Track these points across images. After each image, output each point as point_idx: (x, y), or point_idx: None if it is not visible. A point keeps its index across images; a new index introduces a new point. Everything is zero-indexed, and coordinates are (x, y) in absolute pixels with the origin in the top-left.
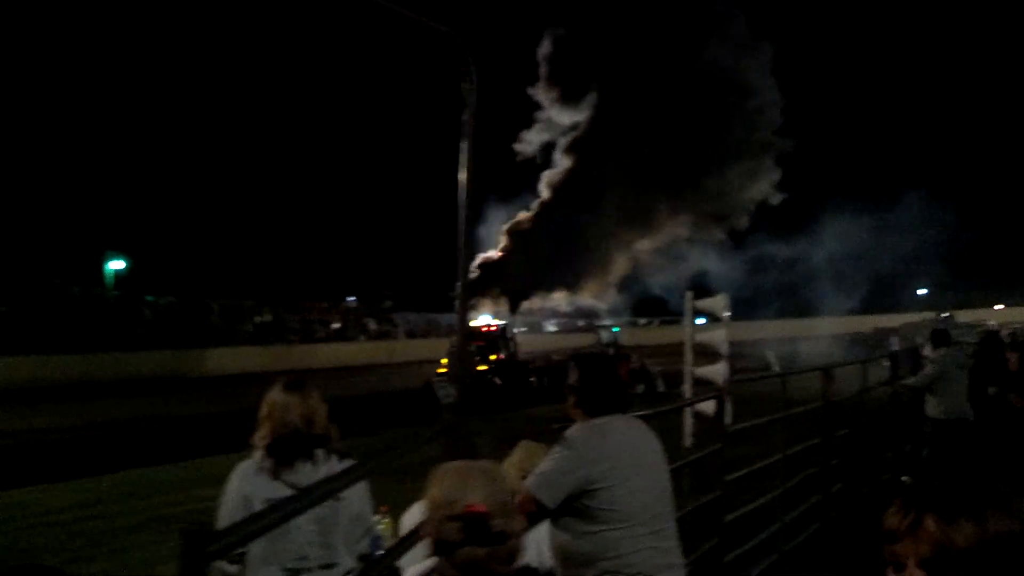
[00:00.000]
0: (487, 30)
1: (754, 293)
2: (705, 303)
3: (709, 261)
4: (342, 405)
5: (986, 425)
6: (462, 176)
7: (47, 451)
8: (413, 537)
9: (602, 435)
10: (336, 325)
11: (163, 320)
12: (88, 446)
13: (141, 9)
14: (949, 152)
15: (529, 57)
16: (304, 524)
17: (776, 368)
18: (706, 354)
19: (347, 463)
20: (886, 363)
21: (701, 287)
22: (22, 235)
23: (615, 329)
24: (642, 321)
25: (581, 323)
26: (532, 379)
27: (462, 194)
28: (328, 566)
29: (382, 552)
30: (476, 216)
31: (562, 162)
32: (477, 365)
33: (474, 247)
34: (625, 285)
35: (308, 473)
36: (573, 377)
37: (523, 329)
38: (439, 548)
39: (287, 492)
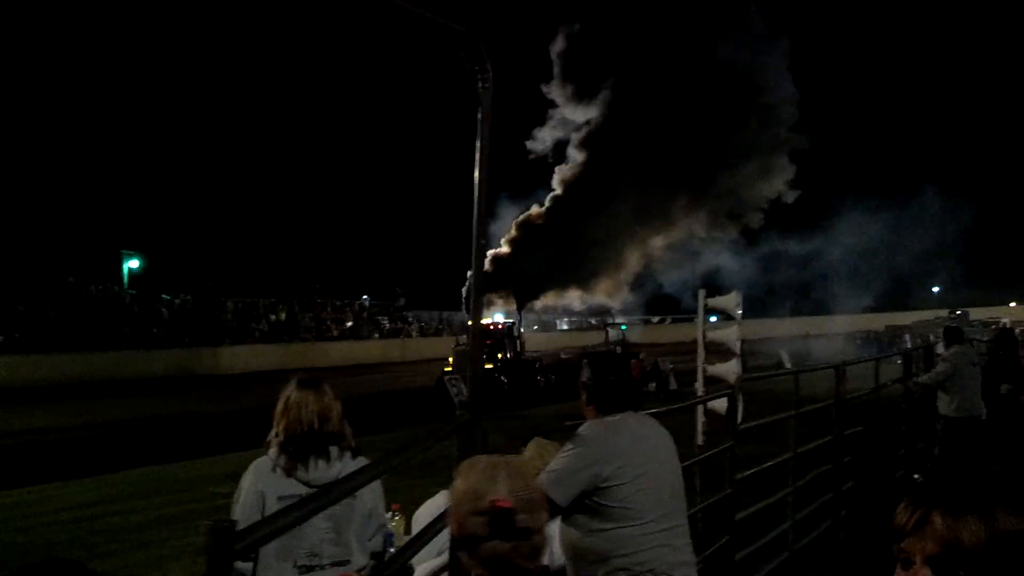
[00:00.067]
0: (500, 26)
1: (767, 291)
2: (718, 301)
3: (722, 259)
4: (355, 403)
5: (999, 423)
6: (477, 175)
7: (64, 449)
8: (426, 534)
9: (615, 433)
10: (349, 323)
11: (178, 318)
12: (105, 444)
13: (160, 9)
14: (962, 148)
15: (542, 54)
16: (318, 521)
17: (788, 366)
18: (718, 352)
19: (361, 461)
20: (899, 361)
21: (713, 285)
22: (38, 234)
23: (623, 327)
24: (655, 319)
25: (593, 321)
26: (539, 378)
27: (477, 193)
28: (341, 563)
29: (394, 549)
30: (489, 214)
31: (575, 158)
32: (483, 364)
33: (487, 245)
34: (638, 283)
35: (322, 470)
36: (586, 375)
37: (535, 328)
38: (463, 542)
39: (301, 489)
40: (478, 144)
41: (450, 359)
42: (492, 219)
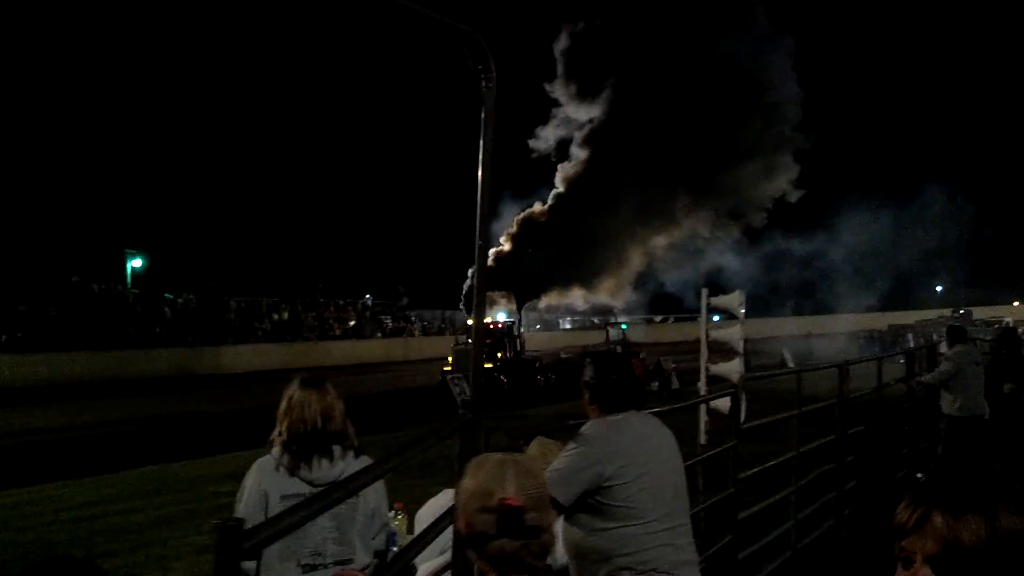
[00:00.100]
0: (502, 24)
1: (769, 290)
2: (721, 300)
3: (725, 258)
4: (358, 402)
5: (1002, 422)
6: (480, 175)
7: (65, 448)
8: (430, 534)
9: (618, 432)
10: (352, 322)
11: (181, 318)
12: (106, 443)
13: (164, 9)
14: (965, 147)
15: (545, 52)
16: (321, 520)
17: (791, 365)
18: (721, 351)
19: (363, 460)
20: (902, 360)
21: (716, 284)
22: (41, 233)
23: (623, 327)
24: (657, 318)
25: (597, 320)
26: (539, 377)
27: (480, 192)
28: (344, 562)
29: (396, 548)
30: (492, 213)
31: (578, 157)
32: (483, 362)
33: (490, 244)
34: (640, 282)
35: (325, 470)
36: (588, 374)
37: (537, 327)
38: (471, 540)
39: (304, 488)
40: (482, 143)
41: (449, 358)
42: (495, 218)
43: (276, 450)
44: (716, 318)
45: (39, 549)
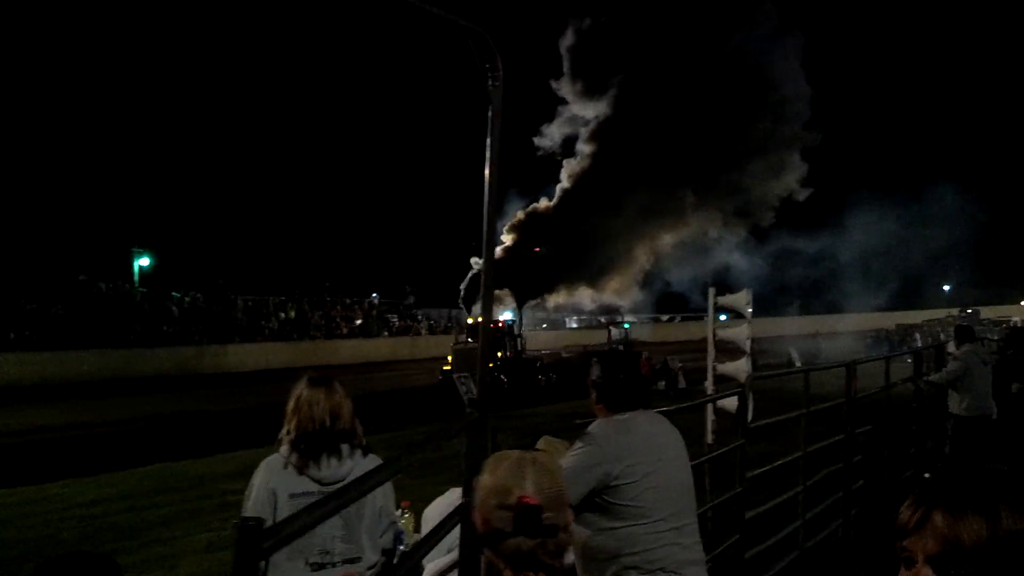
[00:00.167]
0: (507, 21)
1: (777, 289)
2: (728, 299)
3: (732, 257)
4: (365, 401)
5: (1009, 422)
6: (488, 173)
7: (73, 446)
8: (438, 532)
9: (624, 431)
10: (359, 321)
11: (188, 316)
12: (114, 441)
13: (173, 9)
14: (973, 146)
15: (550, 49)
16: (329, 518)
17: (798, 364)
18: (728, 350)
19: (372, 458)
20: (909, 359)
21: (723, 283)
22: (49, 232)
23: (626, 325)
24: (664, 317)
25: (603, 319)
26: (540, 377)
27: (487, 192)
28: (352, 560)
29: (403, 547)
30: (499, 211)
31: (584, 154)
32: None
33: (496, 242)
34: (647, 281)
35: (334, 468)
36: (595, 373)
37: (543, 325)
38: (487, 537)
39: (313, 487)
40: (488, 142)
41: (449, 357)
42: (500, 216)
43: (284, 449)
44: (723, 317)
45: (46, 547)
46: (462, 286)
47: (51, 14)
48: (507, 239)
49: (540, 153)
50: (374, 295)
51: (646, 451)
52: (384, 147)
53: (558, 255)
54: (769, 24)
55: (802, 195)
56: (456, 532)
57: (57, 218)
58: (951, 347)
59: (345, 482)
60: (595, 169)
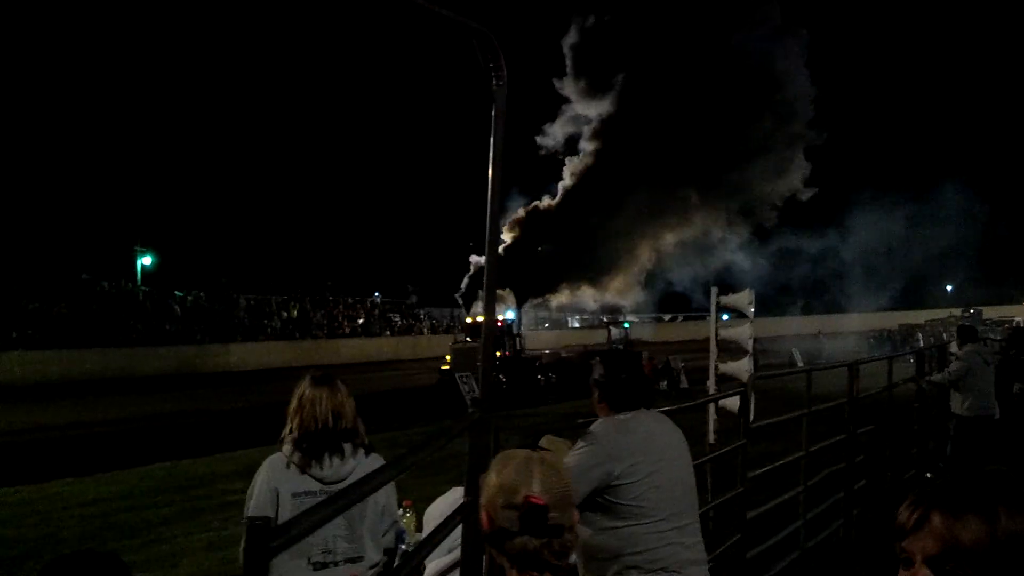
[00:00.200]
0: (509, 20)
1: (779, 289)
2: (730, 299)
3: (734, 256)
4: (367, 400)
5: (1012, 422)
6: (491, 173)
7: (75, 445)
8: (441, 532)
9: (627, 431)
10: (361, 320)
11: (191, 315)
12: (117, 440)
13: (176, 8)
14: (976, 146)
15: (552, 48)
16: None
17: (800, 364)
18: (730, 350)
19: (374, 457)
20: (912, 359)
21: (725, 283)
22: (52, 231)
23: (626, 325)
24: (666, 317)
25: (605, 319)
26: (539, 377)
27: (491, 192)
28: (354, 559)
29: (404, 546)
30: (501, 210)
31: (587, 152)
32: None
33: (498, 241)
34: (649, 281)
35: (336, 467)
36: (598, 372)
37: (546, 325)
38: (493, 536)
39: (315, 486)
40: (492, 141)
41: (448, 357)
42: (502, 215)
43: (287, 448)
44: (725, 317)
45: (48, 545)
46: (462, 284)
47: (54, 13)
48: (507, 237)
49: (542, 152)
50: (376, 294)
51: (648, 451)
52: (387, 146)
53: (561, 254)
54: (773, 22)
55: (805, 195)
56: (457, 532)
57: (60, 217)
58: (953, 347)
59: (348, 481)
60: (598, 167)
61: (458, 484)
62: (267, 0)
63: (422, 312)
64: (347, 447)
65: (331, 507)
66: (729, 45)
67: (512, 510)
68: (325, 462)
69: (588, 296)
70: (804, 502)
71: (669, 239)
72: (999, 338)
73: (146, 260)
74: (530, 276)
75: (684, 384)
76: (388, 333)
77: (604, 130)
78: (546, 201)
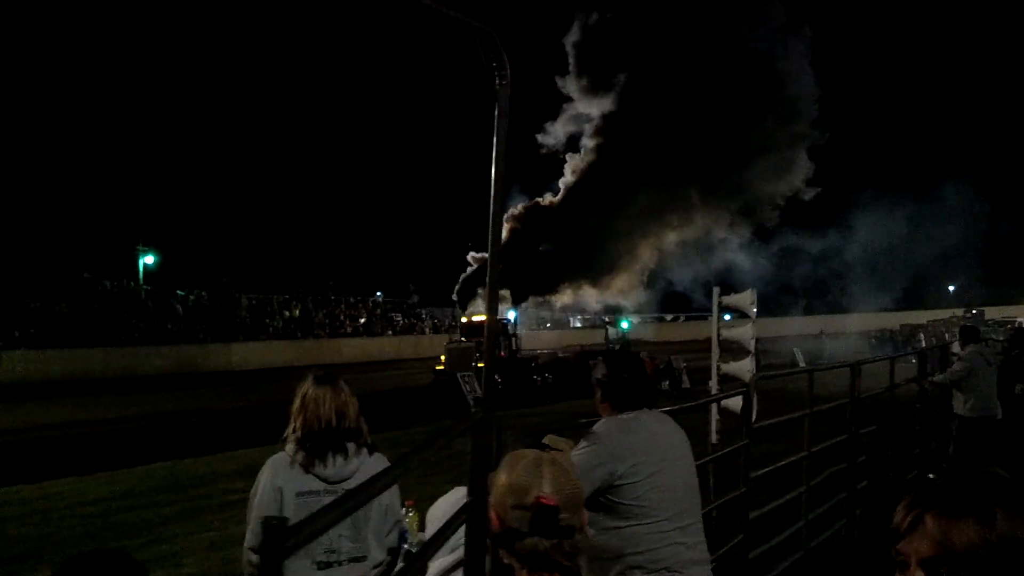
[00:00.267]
0: (510, 18)
1: (780, 289)
2: (732, 299)
3: (735, 256)
4: (368, 400)
5: (1014, 422)
6: (494, 173)
7: (78, 444)
8: (445, 532)
9: (629, 430)
10: (363, 320)
11: (193, 314)
12: (119, 439)
13: (179, 8)
14: (978, 146)
15: (554, 46)
16: None
17: (802, 364)
18: (732, 350)
19: (378, 457)
20: (914, 360)
21: (726, 283)
22: (54, 230)
23: (624, 324)
24: (668, 317)
25: (607, 319)
26: (535, 377)
27: (493, 192)
28: (358, 559)
29: (407, 545)
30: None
31: (589, 151)
32: (476, 362)
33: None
34: (651, 281)
35: (340, 467)
36: (600, 372)
37: (548, 324)
38: (503, 536)
39: (319, 485)
40: (495, 141)
41: (442, 357)
42: (505, 214)
43: (290, 447)
44: (727, 317)
45: (51, 545)
46: (459, 283)
47: (55, 13)
48: (504, 233)
49: (543, 151)
50: (378, 294)
51: (651, 450)
52: (389, 146)
53: (562, 254)
54: (776, 21)
55: (808, 195)
56: (460, 531)
57: (62, 216)
58: (956, 347)
59: (351, 481)
60: (599, 166)
61: (459, 484)
62: (270, 3)
63: (424, 312)
64: (350, 446)
65: (343, 507)
66: (732, 43)
67: (522, 511)
68: (329, 461)
69: (590, 296)
70: (806, 502)
71: (671, 239)
72: (1001, 338)
73: (148, 259)
74: (529, 275)
75: (686, 384)
76: (390, 333)
77: (606, 128)
78: (547, 199)
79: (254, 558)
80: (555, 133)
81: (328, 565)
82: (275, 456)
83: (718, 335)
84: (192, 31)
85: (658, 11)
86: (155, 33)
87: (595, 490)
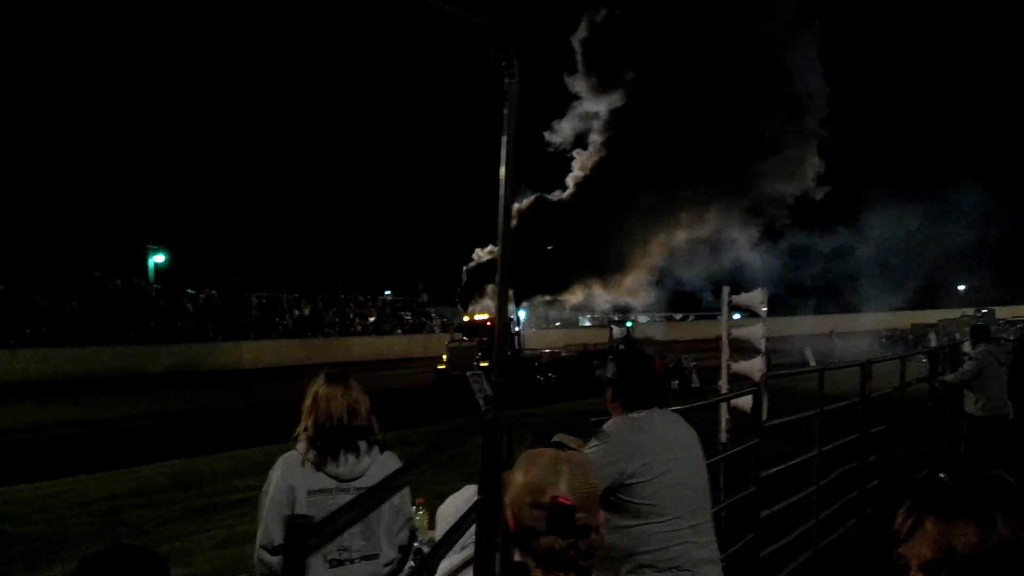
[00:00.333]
0: (517, 15)
1: (790, 288)
2: (742, 298)
3: (745, 255)
4: (378, 398)
5: None
6: (503, 172)
7: (89, 442)
8: (457, 531)
9: (640, 429)
10: (372, 319)
11: (203, 313)
12: (129, 437)
13: (190, 9)
14: (990, 145)
15: (561, 43)
16: None
17: (812, 364)
18: (743, 349)
19: (389, 455)
20: (924, 359)
21: (736, 282)
22: (65, 229)
23: (628, 324)
24: (677, 316)
25: (616, 318)
26: (538, 377)
27: (503, 190)
28: (370, 557)
29: (417, 543)
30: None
31: (596, 148)
32: (479, 361)
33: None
34: (660, 279)
35: (352, 465)
36: (611, 371)
37: (557, 324)
38: (519, 535)
39: (331, 484)
40: (504, 140)
41: (444, 356)
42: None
43: (302, 445)
44: (737, 316)
45: (63, 542)
46: (462, 281)
47: (67, 13)
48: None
49: (551, 149)
50: (387, 292)
51: (661, 449)
52: (399, 145)
53: (572, 252)
54: (786, 16)
55: (819, 194)
56: (470, 529)
57: (73, 215)
58: (967, 347)
59: (363, 479)
60: (608, 163)
61: (469, 482)
62: (279, 3)
63: (433, 310)
64: (362, 444)
65: (363, 505)
66: (741, 39)
67: (539, 510)
68: (340, 459)
69: (599, 295)
70: (817, 502)
71: (681, 238)
72: (1012, 338)
73: (158, 258)
74: (538, 274)
75: (695, 383)
76: (399, 331)
77: (614, 126)
78: (555, 195)
79: (266, 556)
80: (563, 131)
81: (340, 563)
82: (287, 454)
83: (728, 334)
84: (203, 32)
85: (666, 7)
86: (166, 34)
87: (605, 489)
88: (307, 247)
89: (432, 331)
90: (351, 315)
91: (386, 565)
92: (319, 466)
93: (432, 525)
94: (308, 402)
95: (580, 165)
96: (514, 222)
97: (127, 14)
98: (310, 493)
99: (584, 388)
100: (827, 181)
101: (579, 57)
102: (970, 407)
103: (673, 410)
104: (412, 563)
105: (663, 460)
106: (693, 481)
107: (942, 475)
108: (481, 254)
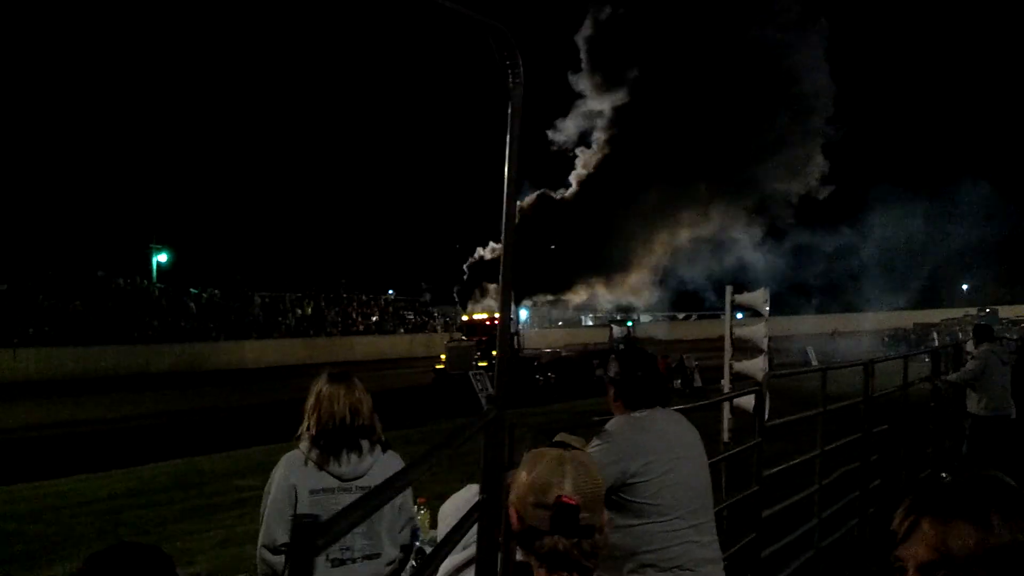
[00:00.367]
0: (521, 14)
1: (792, 287)
2: (745, 297)
3: (748, 255)
4: (380, 397)
5: None
6: (507, 172)
7: (90, 441)
8: (459, 530)
9: (642, 429)
10: (375, 318)
11: (206, 312)
12: (131, 436)
13: (195, 9)
14: (993, 145)
15: (565, 42)
16: None
17: (814, 363)
18: (745, 349)
19: (391, 455)
20: (927, 359)
21: (738, 282)
22: (68, 228)
23: (628, 323)
24: (680, 315)
25: (619, 317)
26: (537, 376)
27: (507, 190)
28: (372, 556)
29: (419, 543)
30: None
31: (600, 146)
32: (477, 360)
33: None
34: (663, 279)
35: (354, 464)
36: (613, 370)
37: (560, 323)
38: (523, 535)
39: (333, 483)
40: (508, 140)
41: (442, 356)
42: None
43: (304, 444)
44: (740, 315)
45: (64, 542)
46: (463, 280)
47: (70, 12)
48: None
49: (554, 148)
50: (390, 292)
51: (663, 449)
52: (402, 145)
53: (575, 252)
54: (791, 14)
55: (823, 193)
56: (473, 528)
57: (76, 214)
58: (969, 346)
59: (366, 478)
60: (612, 161)
61: (470, 481)
62: (283, 3)
63: (435, 310)
64: (364, 444)
65: (368, 504)
66: (746, 37)
67: (543, 509)
68: (343, 459)
69: (602, 295)
70: (819, 501)
71: (684, 237)
72: (1015, 337)
73: (161, 257)
74: (541, 273)
75: (698, 383)
76: (402, 331)
77: (618, 124)
78: (559, 193)
79: (268, 555)
80: (566, 129)
81: (343, 562)
82: (289, 453)
83: (731, 333)
84: (207, 32)
85: (671, 4)
86: (170, 34)
87: (608, 488)
88: (310, 246)
89: (435, 331)
90: (354, 314)
91: (388, 564)
92: (321, 465)
93: (434, 524)
94: (311, 401)
95: (583, 163)
96: (516, 220)
97: (131, 13)
98: (312, 492)
99: (584, 388)
100: (831, 180)
101: (583, 55)
102: (973, 406)
103: (675, 409)
104: (414, 562)
105: (665, 459)
106: (695, 480)
107: (944, 475)
108: (483, 251)
